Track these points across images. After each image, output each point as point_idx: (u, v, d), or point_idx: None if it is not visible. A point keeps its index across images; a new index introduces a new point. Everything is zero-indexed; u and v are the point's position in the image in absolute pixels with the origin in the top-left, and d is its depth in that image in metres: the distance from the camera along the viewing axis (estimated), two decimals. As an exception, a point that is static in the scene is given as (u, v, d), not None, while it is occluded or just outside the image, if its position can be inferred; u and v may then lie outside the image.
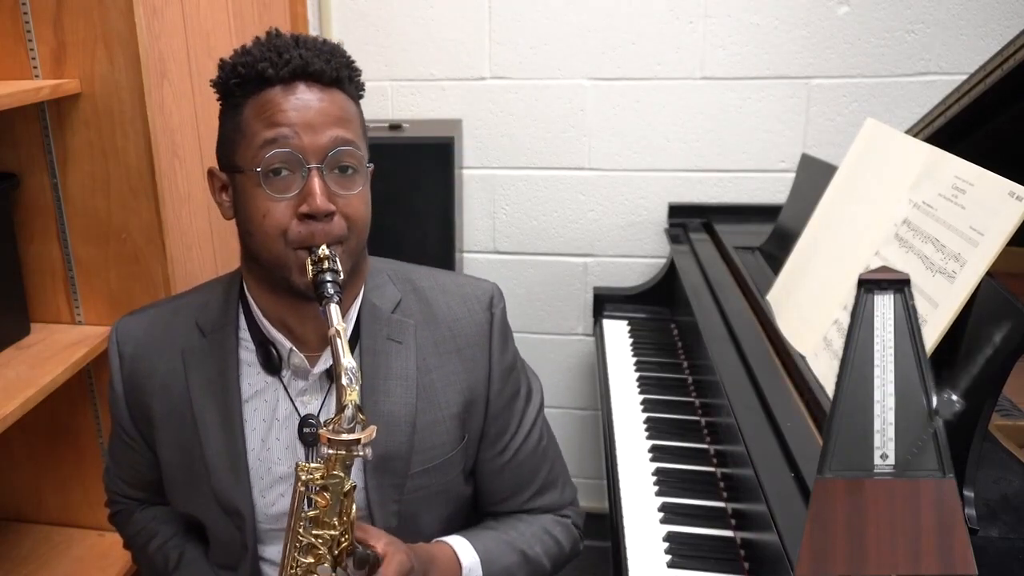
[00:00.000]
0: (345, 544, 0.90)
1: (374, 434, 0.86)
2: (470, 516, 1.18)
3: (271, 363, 1.04)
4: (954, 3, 1.92)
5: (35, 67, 1.31)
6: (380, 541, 0.92)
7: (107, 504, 1.24)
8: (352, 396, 0.85)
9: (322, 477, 0.88)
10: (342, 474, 0.87)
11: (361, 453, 0.86)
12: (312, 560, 0.90)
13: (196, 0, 1.51)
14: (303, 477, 0.88)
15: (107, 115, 1.33)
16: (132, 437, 1.12)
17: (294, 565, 0.91)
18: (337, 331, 0.87)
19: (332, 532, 0.89)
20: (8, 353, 1.35)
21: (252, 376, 1.06)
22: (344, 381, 0.85)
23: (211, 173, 1.03)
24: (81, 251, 1.41)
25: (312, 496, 0.89)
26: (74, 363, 1.32)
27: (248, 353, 1.06)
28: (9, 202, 1.37)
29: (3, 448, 1.56)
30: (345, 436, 0.85)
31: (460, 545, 1.08)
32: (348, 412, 0.85)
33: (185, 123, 1.48)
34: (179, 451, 1.07)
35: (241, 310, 1.06)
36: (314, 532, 0.89)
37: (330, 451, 0.86)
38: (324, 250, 0.92)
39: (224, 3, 1.63)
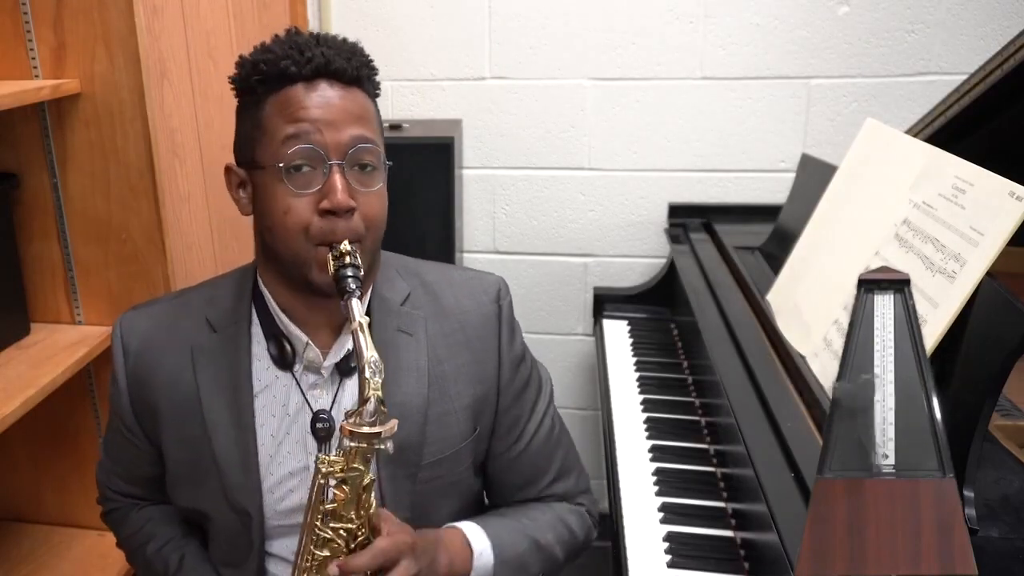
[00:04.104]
0: (361, 538, 0.90)
1: (395, 428, 0.87)
2: (480, 510, 1.18)
3: (284, 358, 1.04)
4: (954, 3, 1.92)
5: (35, 67, 1.31)
6: (389, 525, 0.92)
7: (99, 501, 1.23)
8: (375, 389, 0.85)
9: (342, 470, 0.88)
10: (362, 467, 0.87)
11: (383, 446, 0.86)
12: (328, 554, 0.90)
13: (196, 0, 1.51)
14: (323, 469, 0.88)
15: (107, 115, 1.33)
16: (133, 432, 1.12)
17: (309, 559, 0.91)
18: (360, 324, 0.87)
19: (349, 526, 0.89)
20: (8, 353, 1.35)
21: (261, 371, 1.06)
22: (367, 374, 0.85)
23: (228, 169, 1.03)
24: (81, 251, 1.41)
25: (331, 489, 0.89)
26: (74, 363, 1.32)
27: (258, 348, 1.06)
28: (9, 202, 1.37)
29: (3, 448, 1.55)
30: (367, 429, 0.85)
31: (471, 530, 1.08)
32: (371, 405, 0.85)
33: (185, 123, 1.48)
34: (185, 448, 1.07)
35: (254, 305, 1.07)
36: (332, 526, 0.89)
37: (351, 444, 0.86)
38: (346, 245, 0.92)
39: (224, 3, 1.63)
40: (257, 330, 1.06)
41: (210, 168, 1.56)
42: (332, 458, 0.88)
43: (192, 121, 1.50)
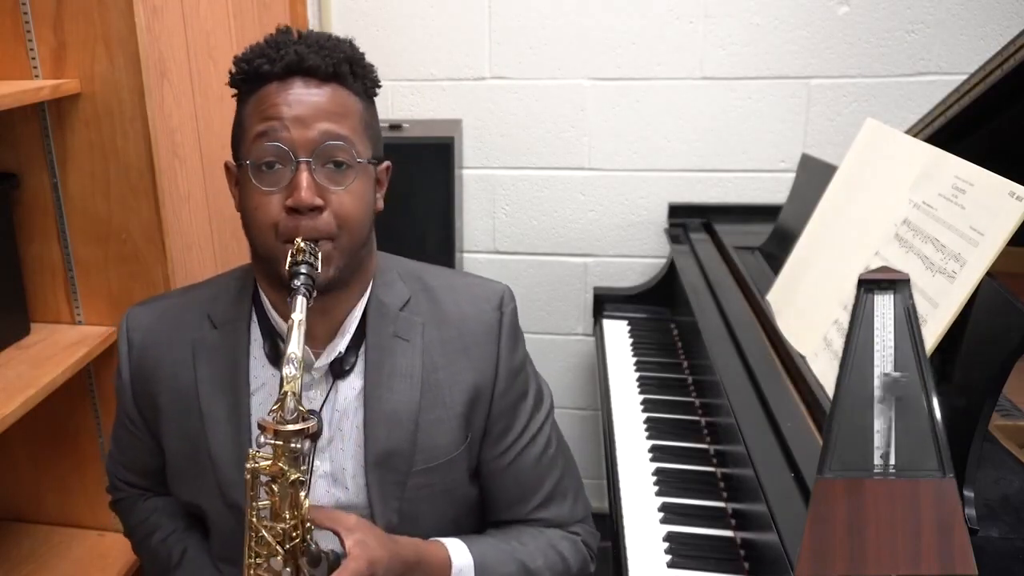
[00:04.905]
0: (297, 539, 0.90)
1: (314, 427, 0.86)
2: (479, 520, 1.16)
3: (278, 356, 1.04)
4: (954, 3, 1.92)
5: (35, 67, 1.31)
6: (351, 537, 0.91)
7: (109, 489, 1.24)
8: (291, 386, 0.85)
9: (269, 467, 0.87)
10: (286, 466, 0.87)
11: (299, 445, 0.86)
12: (267, 552, 0.90)
13: (196, 0, 1.51)
14: (248, 465, 0.88)
15: (107, 115, 1.33)
16: (136, 424, 1.13)
17: (252, 555, 0.91)
18: (294, 320, 0.87)
19: (282, 525, 0.89)
20: (8, 353, 1.35)
21: (258, 369, 1.06)
22: (286, 371, 0.85)
23: (226, 166, 1.04)
24: (81, 251, 1.41)
25: (262, 486, 0.89)
26: (74, 363, 1.32)
27: (256, 346, 1.06)
28: (9, 202, 1.37)
29: (3, 448, 1.55)
30: (289, 427, 0.85)
31: (455, 546, 1.06)
32: (289, 403, 0.85)
33: (185, 123, 1.48)
34: (184, 442, 1.08)
35: (254, 303, 1.07)
36: (266, 523, 0.89)
37: (270, 441, 0.86)
38: (300, 242, 0.92)
39: (224, 3, 1.63)
40: (256, 328, 1.06)
41: (210, 168, 1.56)
42: (260, 454, 0.88)
43: (192, 121, 1.50)
